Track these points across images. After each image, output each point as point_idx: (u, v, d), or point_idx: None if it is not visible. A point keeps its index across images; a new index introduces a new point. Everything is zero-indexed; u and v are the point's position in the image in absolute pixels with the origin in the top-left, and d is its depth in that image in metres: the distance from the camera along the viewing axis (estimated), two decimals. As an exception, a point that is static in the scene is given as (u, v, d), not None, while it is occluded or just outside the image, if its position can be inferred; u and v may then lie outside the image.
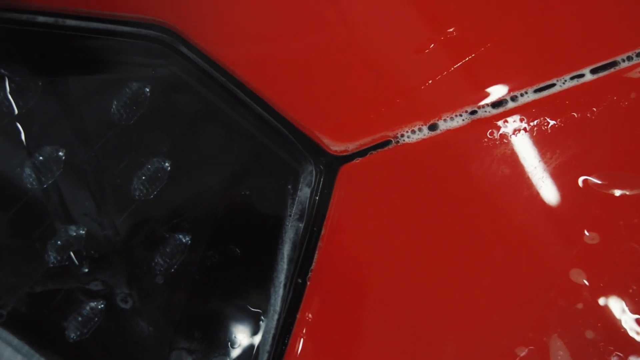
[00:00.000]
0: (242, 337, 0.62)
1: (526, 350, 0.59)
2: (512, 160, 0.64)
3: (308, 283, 0.62)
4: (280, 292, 0.62)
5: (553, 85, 0.65)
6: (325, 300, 0.62)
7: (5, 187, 0.65)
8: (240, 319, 0.62)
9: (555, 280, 0.61)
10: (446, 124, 0.63)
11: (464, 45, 0.65)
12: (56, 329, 0.64)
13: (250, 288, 0.63)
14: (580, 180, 0.63)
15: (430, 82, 0.65)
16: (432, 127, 0.64)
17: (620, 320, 0.59)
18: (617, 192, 0.62)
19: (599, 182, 0.63)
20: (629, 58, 0.65)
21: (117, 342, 0.64)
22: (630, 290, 0.60)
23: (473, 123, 0.64)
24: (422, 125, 0.63)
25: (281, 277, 0.62)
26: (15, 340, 0.64)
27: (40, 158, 0.64)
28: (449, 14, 0.66)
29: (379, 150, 0.64)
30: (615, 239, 0.62)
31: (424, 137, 0.63)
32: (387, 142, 0.64)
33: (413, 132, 0.63)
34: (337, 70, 0.66)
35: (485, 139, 0.64)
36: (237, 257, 0.63)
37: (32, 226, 0.65)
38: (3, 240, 0.65)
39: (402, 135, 0.64)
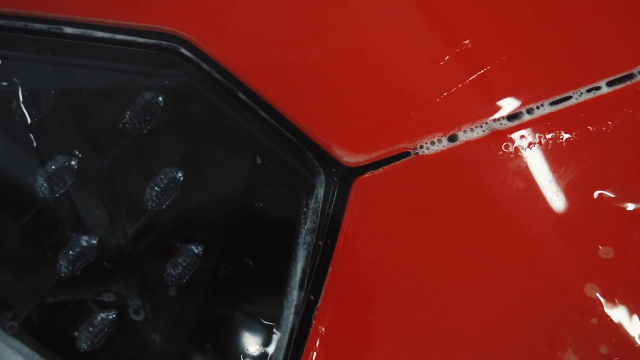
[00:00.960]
0: (255, 350, 0.61)
1: (540, 364, 0.59)
2: (527, 174, 0.63)
3: (321, 296, 0.61)
4: (294, 304, 0.62)
5: (569, 97, 0.65)
6: (338, 313, 0.61)
7: (17, 196, 0.65)
8: (252, 332, 0.62)
9: (569, 295, 0.61)
10: (466, 135, 0.63)
11: (479, 57, 0.65)
12: (67, 339, 0.64)
13: (263, 300, 0.63)
14: (594, 194, 0.63)
15: (445, 94, 0.65)
16: (452, 138, 0.64)
17: (634, 336, 0.59)
18: (632, 206, 0.62)
19: (614, 195, 0.63)
20: (646, 71, 0.65)
21: (129, 353, 0.63)
22: (645, 305, 0.60)
23: (489, 136, 0.64)
24: (441, 136, 0.63)
25: (294, 290, 0.62)
26: (26, 349, 0.64)
27: (53, 167, 0.64)
28: (464, 25, 0.66)
29: (396, 162, 0.64)
30: (630, 253, 0.62)
31: (443, 148, 0.63)
32: (405, 154, 0.64)
33: (432, 143, 0.63)
34: (353, 81, 0.65)
35: (501, 152, 0.64)
36: (250, 269, 0.63)
37: (44, 235, 0.64)
38: (15, 249, 0.65)
39: (422, 147, 0.63)
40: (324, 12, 0.66)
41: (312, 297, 0.61)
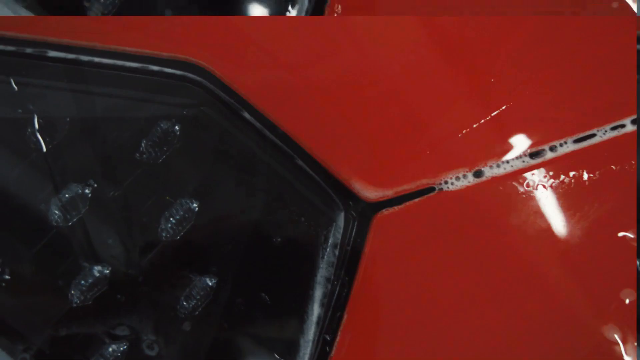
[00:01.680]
0: (269, 387, 0.61)
1: (558, 408, 0.59)
2: (549, 213, 0.63)
3: (338, 335, 0.61)
4: (310, 343, 0.61)
5: (593, 135, 0.64)
6: (355, 352, 0.61)
7: (30, 224, 0.64)
8: (267, 369, 0.61)
9: (589, 337, 0.60)
10: (492, 171, 0.62)
11: (502, 93, 0.64)
12: (78, 369, 0.63)
13: (279, 337, 0.62)
14: (617, 235, 0.62)
15: (467, 130, 0.64)
16: (478, 174, 0.62)
17: (655, 381, 0.58)
18: (654, 248, 0.61)
19: (636, 237, 0.62)
20: (671, 109, 0.64)
21: (140, 386, 0.63)
22: (665, 349, 0.59)
23: (512, 174, 0.63)
24: (467, 171, 0.62)
25: (311, 329, 0.61)
26: (35, 376, 0.63)
27: (66, 195, 0.63)
28: (488, 62, 0.65)
29: (418, 198, 0.63)
30: (651, 296, 0.61)
31: (469, 184, 0.62)
32: (429, 190, 0.63)
33: (457, 178, 0.62)
34: (373, 114, 0.64)
35: (523, 190, 0.63)
36: (266, 305, 0.62)
37: (56, 264, 0.63)
38: (27, 277, 0.64)
39: (446, 182, 0.62)
40: (344, 48, 0.65)
41: (327, 337, 0.60)
